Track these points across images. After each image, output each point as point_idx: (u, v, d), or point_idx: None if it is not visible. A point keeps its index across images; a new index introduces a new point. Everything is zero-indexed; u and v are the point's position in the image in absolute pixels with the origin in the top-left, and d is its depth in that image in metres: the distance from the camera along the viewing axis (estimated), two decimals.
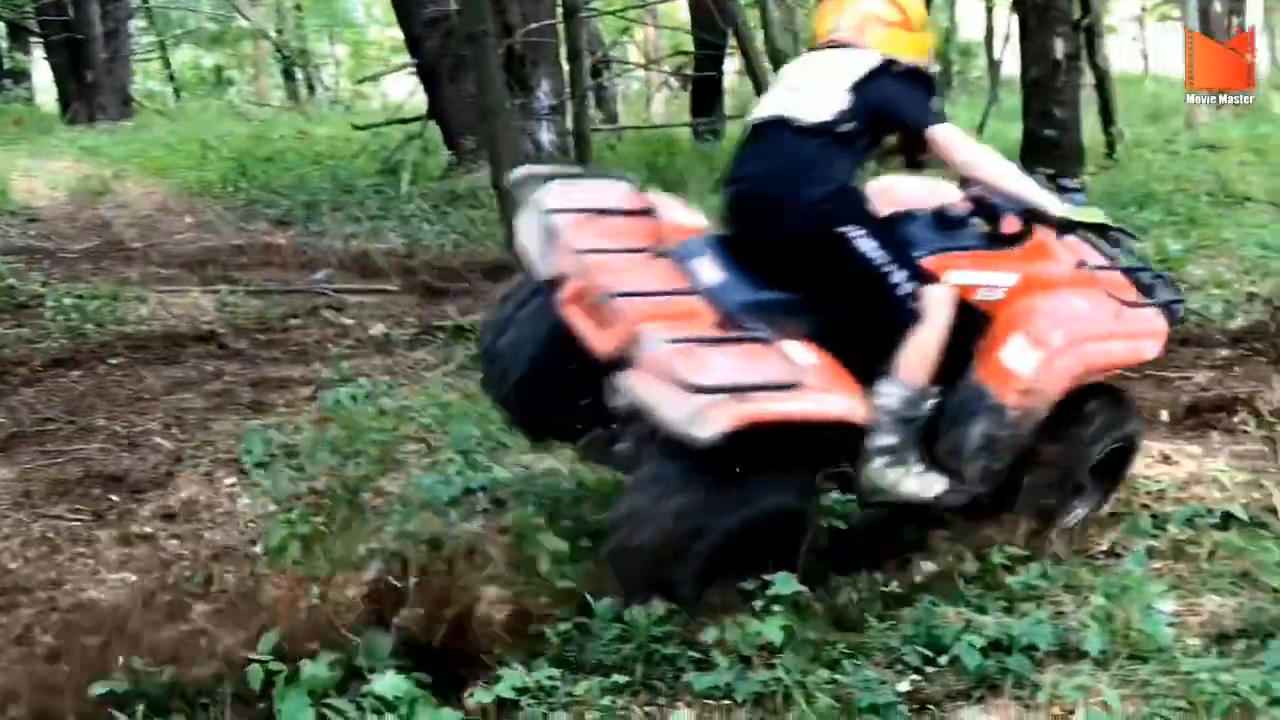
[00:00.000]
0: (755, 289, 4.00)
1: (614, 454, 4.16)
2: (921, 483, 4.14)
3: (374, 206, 12.89)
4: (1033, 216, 4.18)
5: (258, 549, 4.42)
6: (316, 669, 3.33)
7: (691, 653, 3.57)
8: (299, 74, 33.27)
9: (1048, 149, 12.03)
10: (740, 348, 3.71)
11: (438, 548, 4.27)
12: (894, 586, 4.01)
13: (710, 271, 4.00)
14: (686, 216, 4.28)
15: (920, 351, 4.04)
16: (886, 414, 4.03)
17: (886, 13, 4.33)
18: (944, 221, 4.31)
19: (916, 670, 3.50)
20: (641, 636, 3.55)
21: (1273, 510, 4.48)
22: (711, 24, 15.84)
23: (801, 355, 3.79)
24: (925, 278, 4.09)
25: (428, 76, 14.62)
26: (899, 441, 4.07)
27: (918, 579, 4.07)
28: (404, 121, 15.15)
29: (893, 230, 4.19)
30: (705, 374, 3.49)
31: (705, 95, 17.81)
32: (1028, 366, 4.16)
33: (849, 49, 4.27)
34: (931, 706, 3.36)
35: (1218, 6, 21.08)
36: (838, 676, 3.39)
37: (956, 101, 21.31)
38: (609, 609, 3.71)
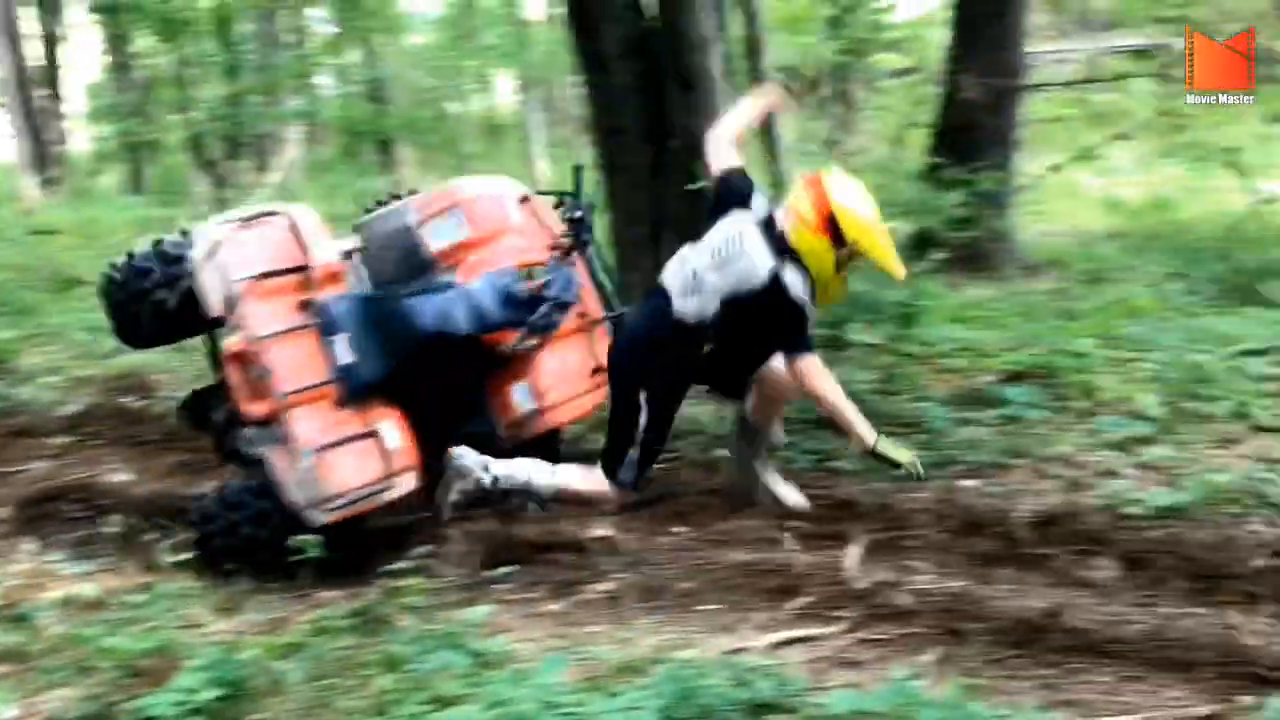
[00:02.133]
0: (374, 367, 4.96)
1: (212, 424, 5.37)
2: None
3: None
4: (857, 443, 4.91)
5: None
6: None
7: None
8: None
9: None
10: (356, 446, 4.80)
11: None
12: None
13: (343, 350, 4.91)
14: (329, 250, 5.12)
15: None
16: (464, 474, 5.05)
17: (807, 213, 4.77)
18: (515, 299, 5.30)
19: None
20: None
21: None
22: None
23: (394, 438, 4.87)
24: None
25: None
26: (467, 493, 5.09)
27: None
28: None
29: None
30: (328, 483, 4.69)
31: None
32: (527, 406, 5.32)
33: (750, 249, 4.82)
34: None
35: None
36: None
37: None
38: None
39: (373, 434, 4.87)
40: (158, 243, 5.47)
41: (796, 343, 4.84)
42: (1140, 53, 17.93)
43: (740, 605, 4.46)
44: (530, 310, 5.30)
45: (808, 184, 4.86)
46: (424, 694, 3.52)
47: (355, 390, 4.91)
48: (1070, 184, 13.08)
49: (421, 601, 4.30)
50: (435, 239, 5.51)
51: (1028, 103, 10.73)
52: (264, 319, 4.87)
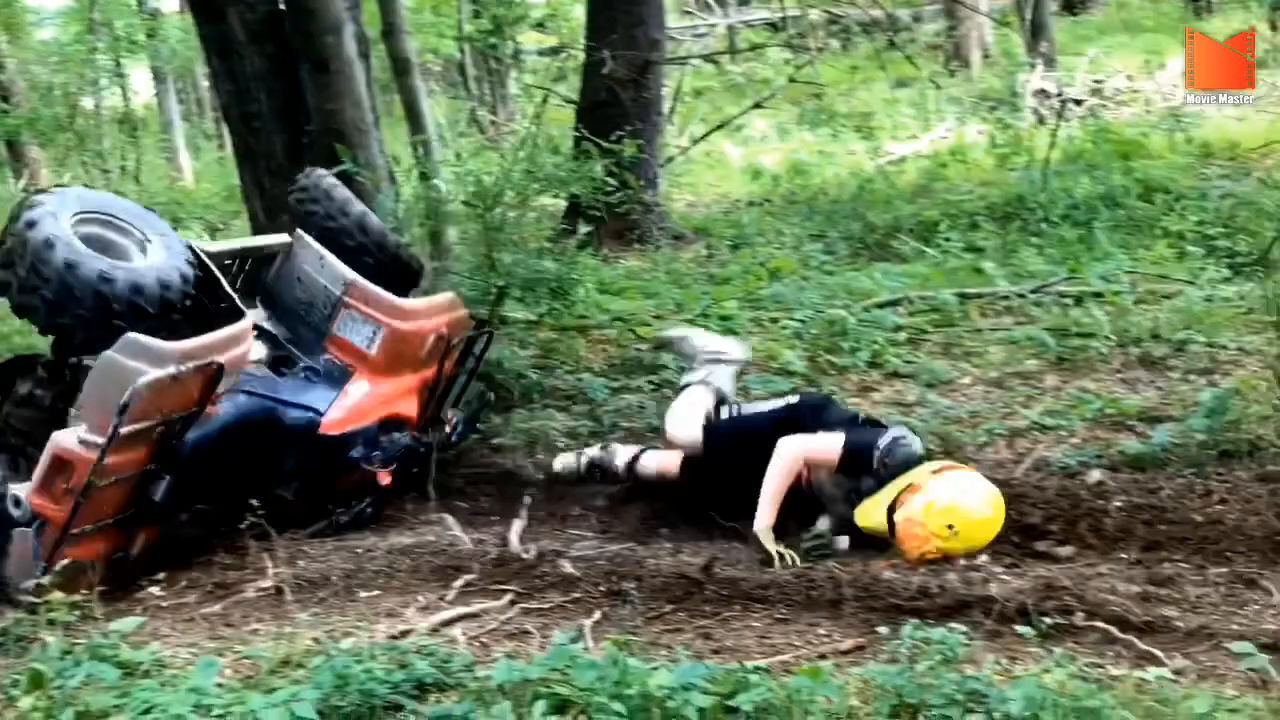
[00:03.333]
0: (184, 503, 4.76)
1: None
2: None
3: None
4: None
5: None
6: None
7: None
8: None
9: None
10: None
11: None
12: None
13: (162, 490, 4.58)
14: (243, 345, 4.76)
15: None
16: None
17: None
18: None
19: None
20: None
21: None
22: None
23: (138, 544, 4.69)
24: None
25: None
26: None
27: None
28: None
29: None
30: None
31: None
32: None
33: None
34: None
35: None
36: None
37: None
38: None
39: (123, 556, 4.66)
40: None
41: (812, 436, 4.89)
42: (772, 25, 18.71)
43: (405, 589, 4.42)
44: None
45: (946, 467, 4.75)
46: (71, 710, 3.33)
47: (145, 520, 4.66)
48: (716, 154, 13.52)
49: (67, 617, 4.08)
50: (342, 328, 5.41)
51: (671, 76, 11.00)
52: (117, 458, 4.39)
